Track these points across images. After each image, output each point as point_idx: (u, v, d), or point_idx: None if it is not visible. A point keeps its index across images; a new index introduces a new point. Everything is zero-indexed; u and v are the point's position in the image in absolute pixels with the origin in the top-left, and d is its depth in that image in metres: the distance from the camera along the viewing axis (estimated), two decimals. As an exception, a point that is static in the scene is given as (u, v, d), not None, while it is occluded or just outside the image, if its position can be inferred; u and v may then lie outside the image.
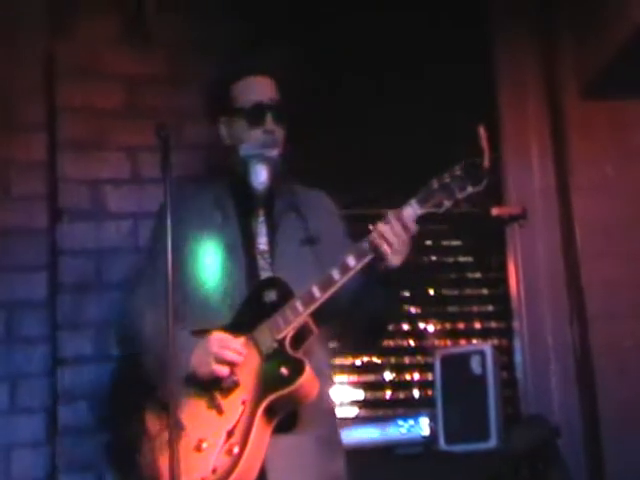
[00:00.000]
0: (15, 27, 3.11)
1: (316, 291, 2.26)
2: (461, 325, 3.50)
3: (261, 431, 2.19)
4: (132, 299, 2.42)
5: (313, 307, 2.25)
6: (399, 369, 3.41)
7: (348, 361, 3.39)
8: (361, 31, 3.36)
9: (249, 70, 2.50)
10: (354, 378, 3.39)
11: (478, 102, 3.41)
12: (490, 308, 3.51)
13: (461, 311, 3.50)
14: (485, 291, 3.52)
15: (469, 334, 3.47)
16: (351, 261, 2.27)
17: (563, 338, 3.33)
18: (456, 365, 3.06)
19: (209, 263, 2.37)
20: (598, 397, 3.23)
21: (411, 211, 2.29)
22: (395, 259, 2.27)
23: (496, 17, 3.55)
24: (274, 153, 2.42)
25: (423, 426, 2.93)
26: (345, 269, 2.26)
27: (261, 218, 2.45)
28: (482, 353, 3.03)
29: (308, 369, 2.20)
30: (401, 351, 3.44)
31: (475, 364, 3.03)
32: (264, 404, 2.19)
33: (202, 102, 2.66)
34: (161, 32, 3.09)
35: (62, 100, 3.09)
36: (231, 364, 2.23)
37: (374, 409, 3.38)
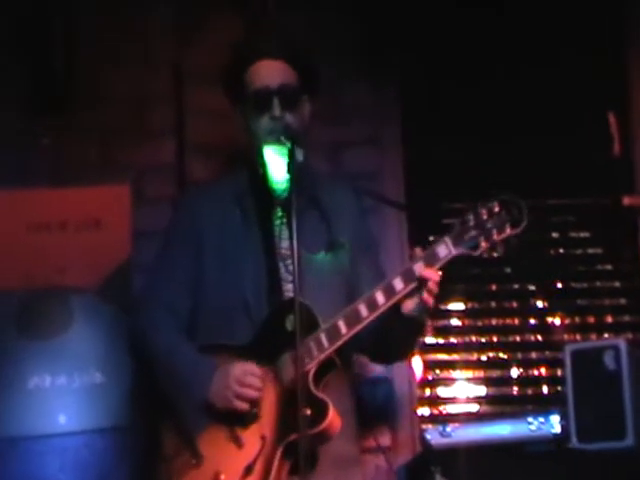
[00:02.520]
0: (144, 34, 3.23)
1: (342, 327, 2.14)
2: (591, 319, 3.39)
3: (279, 470, 2.12)
4: (145, 314, 2.33)
5: (338, 343, 2.15)
6: (526, 365, 3.35)
7: (473, 357, 3.35)
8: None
9: (258, 54, 2.35)
10: (479, 374, 3.35)
11: (609, 89, 3.29)
12: (622, 301, 3.39)
13: (591, 304, 3.39)
14: (617, 284, 3.40)
15: (600, 328, 3.36)
16: (380, 298, 2.15)
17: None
18: (588, 360, 2.95)
19: (228, 268, 2.28)
20: None
21: (446, 251, 2.15)
22: (429, 299, 2.14)
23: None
24: (285, 140, 2.21)
25: (554, 423, 2.85)
26: (374, 306, 2.14)
27: (283, 219, 2.30)
28: (616, 348, 2.91)
29: (332, 412, 2.11)
30: (528, 346, 3.37)
31: (609, 359, 2.92)
32: (284, 443, 2.11)
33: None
34: (283, 33, 3.12)
35: (190, 104, 3.19)
36: (251, 400, 2.15)
37: (501, 405, 3.33)
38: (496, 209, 2.14)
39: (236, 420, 2.16)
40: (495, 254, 2.15)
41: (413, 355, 2.48)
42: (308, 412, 2.03)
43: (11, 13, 3.07)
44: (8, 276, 3.01)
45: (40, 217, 3.07)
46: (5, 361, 2.94)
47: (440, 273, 2.16)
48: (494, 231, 2.13)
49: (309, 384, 2.11)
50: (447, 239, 2.14)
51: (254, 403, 2.15)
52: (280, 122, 2.27)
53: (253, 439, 2.14)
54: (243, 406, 2.14)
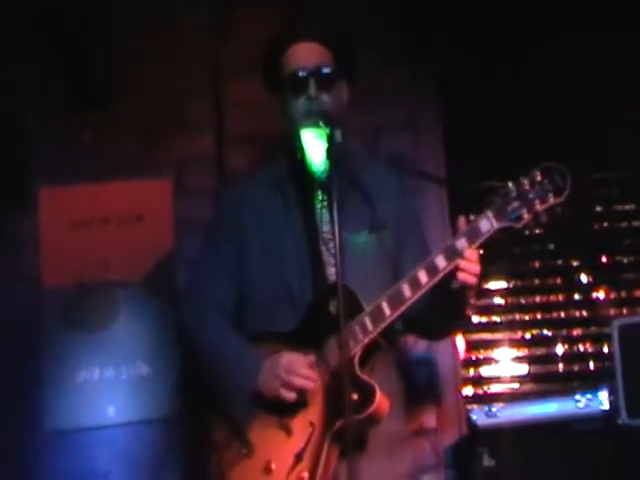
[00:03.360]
0: (180, 29, 3.22)
1: (386, 308, 2.13)
2: (638, 293, 3.35)
3: (330, 456, 2.13)
4: (191, 308, 2.34)
5: (383, 325, 2.14)
6: (572, 341, 3.33)
7: (517, 335, 3.33)
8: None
9: (294, 36, 2.35)
10: (524, 352, 3.33)
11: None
12: (671, 275, 3.34)
13: (638, 278, 3.36)
14: (664, 256, 3.35)
15: (648, 302, 3.32)
16: (423, 277, 2.12)
17: None
18: (636, 335, 2.92)
19: (271, 256, 2.28)
20: None
21: (488, 225, 2.10)
22: (470, 278, 2.11)
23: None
24: (323, 124, 2.18)
25: (602, 400, 2.83)
26: (417, 286, 2.12)
27: (324, 202, 2.29)
28: (665, 321, 2.88)
29: (379, 395, 2.10)
30: (573, 322, 3.35)
31: (658, 332, 2.88)
32: (333, 429, 2.11)
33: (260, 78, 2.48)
34: (319, 26, 3.11)
35: (228, 96, 3.19)
36: (300, 389, 2.14)
37: (547, 384, 3.31)
38: (538, 178, 2.09)
39: (284, 408, 2.17)
40: (538, 227, 2.12)
41: (462, 331, 2.41)
42: (355, 397, 2.04)
43: (48, 13, 3.09)
44: (54, 272, 3.05)
45: (83, 213, 3.11)
46: (55, 355, 3.00)
47: (479, 252, 2.14)
48: (537, 201, 2.08)
49: (355, 368, 2.11)
50: (489, 213, 2.11)
51: (302, 391, 2.15)
52: (316, 102, 2.26)
53: (302, 426, 2.15)
54: (291, 395, 2.15)
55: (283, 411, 2.17)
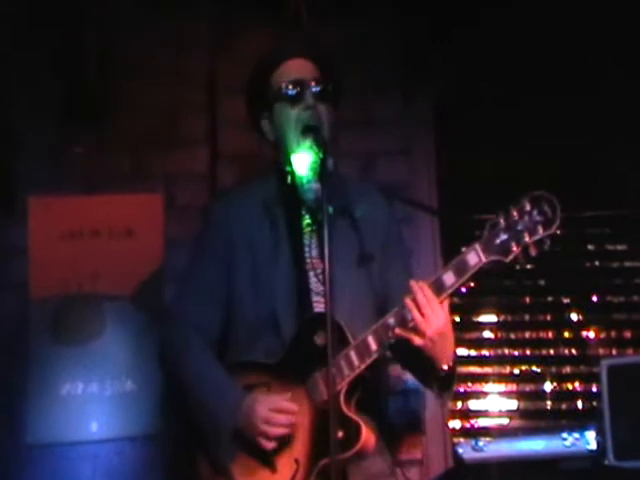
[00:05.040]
0: (177, 45, 3.25)
1: (372, 343, 2.08)
2: (628, 334, 3.34)
3: None
4: (176, 333, 2.30)
5: (369, 361, 2.09)
6: (560, 379, 3.31)
7: (506, 370, 3.31)
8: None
9: (289, 53, 2.34)
10: (512, 387, 3.31)
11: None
12: (660, 316, 3.34)
13: (629, 319, 3.35)
14: (656, 298, 3.34)
15: (637, 343, 3.31)
16: (408, 313, 2.06)
17: None
18: (625, 376, 2.89)
19: (259, 281, 2.23)
20: None
21: (475, 259, 2.03)
22: (416, 339, 2.04)
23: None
24: (316, 147, 2.14)
25: (589, 439, 2.80)
26: (403, 321, 2.06)
27: (312, 227, 2.26)
28: (653, 363, 2.86)
29: (365, 432, 2.06)
30: (563, 360, 3.33)
31: (646, 375, 2.86)
32: (318, 467, 2.06)
33: (244, 104, 2.45)
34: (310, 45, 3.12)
35: (223, 114, 3.20)
36: (279, 437, 2.09)
37: (534, 420, 3.28)
38: (527, 208, 2.02)
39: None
40: (527, 261, 2.03)
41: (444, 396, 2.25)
42: (340, 434, 1.99)
43: (46, 27, 3.10)
44: (42, 283, 3.03)
45: (73, 224, 3.09)
46: (39, 367, 2.96)
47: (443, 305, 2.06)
48: (525, 233, 2.01)
49: (341, 405, 2.07)
50: (477, 246, 2.05)
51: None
52: (313, 112, 2.22)
53: (286, 463, 2.11)
54: (270, 445, 2.10)
55: (265, 452, 2.12)
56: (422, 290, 2.05)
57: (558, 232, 2.02)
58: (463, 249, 2.09)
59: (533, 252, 2.03)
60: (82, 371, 2.95)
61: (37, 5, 3.12)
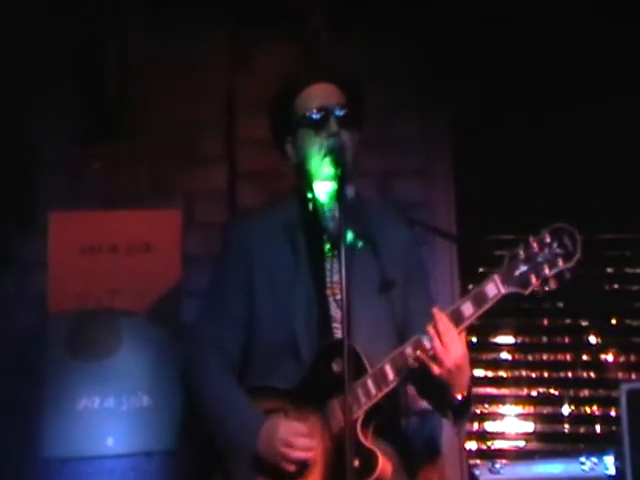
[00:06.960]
0: (197, 63, 3.28)
1: (389, 372, 2.07)
2: (647, 358, 3.30)
3: None
4: (196, 356, 2.29)
5: (386, 390, 2.07)
6: (579, 402, 3.27)
7: (523, 392, 3.28)
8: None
9: (312, 77, 2.31)
10: (529, 410, 3.28)
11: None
12: (680, 340, 3.30)
13: (647, 342, 3.31)
14: (674, 322, 3.31)
15: (657, 367, 3.28)
16: (427, 342, 2.04)
17: None
18: (645, 400, 2.86)
19: (279, 307, 2.22)
20: None
21: (494, 291, 2.01)
22: (435, 368, 2.01)
23: None
24: (340, 156, 2.13)
25: (608, 464, 2.76)
26: (421, 350, 2.05)
27: (333, 252, 2.24)
28: (673, 388, 2.83)
29: (381, 462, 2.04)
30: (581, 383, 3.30)
31: (667, 399, 2.82)
32: None
33: (268, 127, 2.43)
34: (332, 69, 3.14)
35: (242, 132, 3.23)
36: (299, 461, 2.08)
37: (551, 443, 3.25)
38: (547, 240, 2.01)
39: (285, 474, 2.11)
40: (546, 294, 2.02)
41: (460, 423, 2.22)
42: (357, 463, 1.97)
43: (65, 43, 3.15)
44: (60, 298, 3.05)
45: (92, 240, 3.12)
46: (56, 381, 2.97)
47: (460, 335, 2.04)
48: (545, 266, 2.00)
49: (358, 434, 2.04)
50: (496, 277, 2.03)
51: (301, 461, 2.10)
52: (337, 139, 2.21)
53: None
54: (291, 467, 2.09)
55: (285, 475, 2.11)
56: (442, 320, 2.03)
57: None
58: (481, 270, 2.07)
59: (553, 285, 2.02)
60: (99, 386, 2.96)
61: (57, 24, 3.16)
